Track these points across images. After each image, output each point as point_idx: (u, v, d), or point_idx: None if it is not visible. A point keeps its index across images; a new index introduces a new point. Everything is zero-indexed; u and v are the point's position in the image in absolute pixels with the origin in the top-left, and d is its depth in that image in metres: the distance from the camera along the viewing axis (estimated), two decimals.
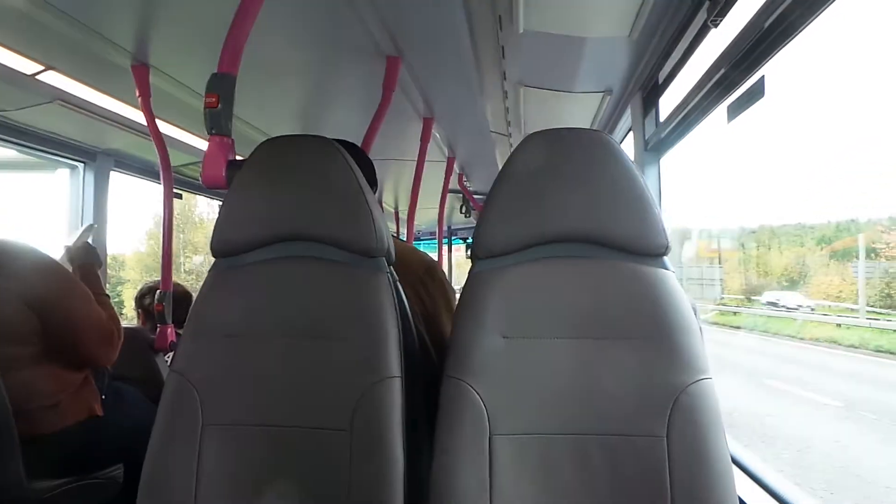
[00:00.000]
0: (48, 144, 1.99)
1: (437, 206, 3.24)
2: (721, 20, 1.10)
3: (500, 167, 0.91)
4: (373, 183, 1.21)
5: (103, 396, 1.43)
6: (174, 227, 1.98)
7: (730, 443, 0.82)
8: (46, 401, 1.27)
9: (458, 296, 0.93)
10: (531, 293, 0.86)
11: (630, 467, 0.79)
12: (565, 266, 0.87)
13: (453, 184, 3.27)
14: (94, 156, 2.18)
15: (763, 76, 1.05)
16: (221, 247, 0.95)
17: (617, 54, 1.58)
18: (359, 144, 1.39)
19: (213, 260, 0.97)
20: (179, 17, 1.31)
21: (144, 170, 2.41)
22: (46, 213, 2.33)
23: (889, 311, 8.88)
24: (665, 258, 0.87)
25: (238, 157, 1.08)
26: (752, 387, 7.50)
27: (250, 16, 1.08)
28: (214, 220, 0.96)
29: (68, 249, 1.58)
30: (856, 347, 8.63)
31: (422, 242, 5.41)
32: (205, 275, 0.97)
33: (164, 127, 1.86)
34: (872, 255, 9.49)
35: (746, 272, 12.60)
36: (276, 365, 0.87)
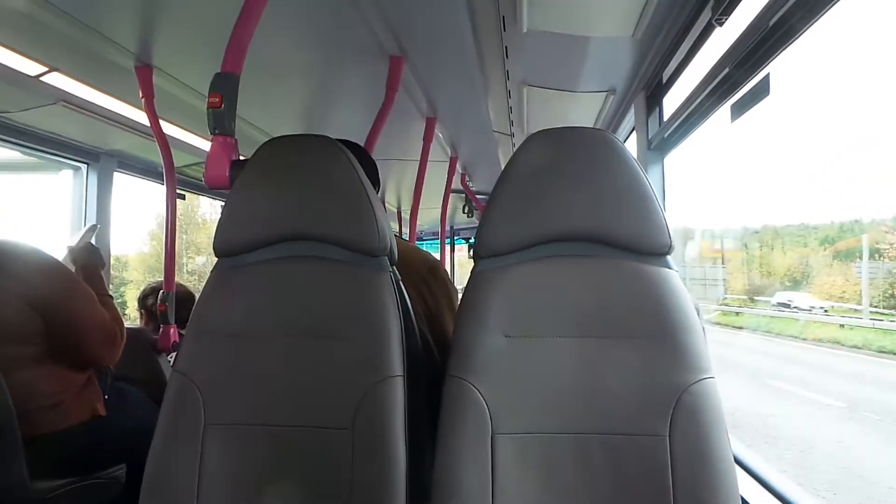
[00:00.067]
0: (52, 146, 1.99)
1: (440, 206, 3.24)
2: (725, 19, 1.09)
3: (503, 167, 0.91)
4: (375, 183, 1.21)
5: (106, 397, 1.43)
6: (177, 228, 1.98)
7: (732, 443, 0.81)
8: (49, 401, 1.27)
9: (460, 295, 0.93)
10: (534, 292, 0.85)
11: (632, 467, 0.79)
12: (568, 265, 0.86)
13: (456, 184, 3.26)
14: (98, 157, 2.18)
15: (768, 75, 1.05)
16: (224, 246, 0.94)
17: (620, 54, 1.58)
18: (362, 144, 1.39)
19: (215, 261, 0.97)
20: (183, 18, 1.31)
21: (148, 171, 2.42)
22: (50, 215, 2.34)
23: (892, 311, 8.85)
24: (668, 257, 0.87)
25: (241, 157, 1.08)
26: (755, 387, 7.49)
27: (254, 16, 1.08)
28: (217, 221, 0.96)
29: (71, 250, 1.58)
30: (859, 348, 8.61)
31: (424, 242, 5.39)
32: (207, 275, 0.97)
33: (168, 128, 1.87)
34: (876, 255, 9.46)
35: (749, 272, 12.57)
36: (278, 364, 0.87)
